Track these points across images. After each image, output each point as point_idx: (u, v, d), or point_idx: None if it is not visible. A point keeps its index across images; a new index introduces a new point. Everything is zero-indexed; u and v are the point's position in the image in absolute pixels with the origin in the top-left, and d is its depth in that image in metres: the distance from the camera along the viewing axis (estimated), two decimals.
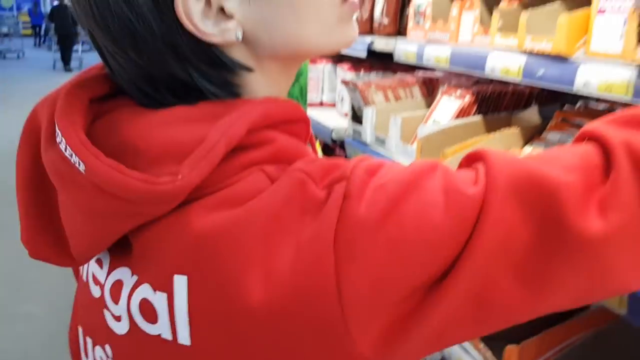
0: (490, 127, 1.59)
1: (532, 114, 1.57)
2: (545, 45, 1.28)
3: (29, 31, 18.11)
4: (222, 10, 0.51)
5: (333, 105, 2.52)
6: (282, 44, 0.55)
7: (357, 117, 1.95)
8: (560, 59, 1.25)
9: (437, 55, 1.66)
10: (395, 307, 0.47)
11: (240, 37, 0.52)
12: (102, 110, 0.55)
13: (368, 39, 2.08)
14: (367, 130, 1.87)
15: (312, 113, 2.41)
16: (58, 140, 0.51)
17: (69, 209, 0.54)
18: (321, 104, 2.58)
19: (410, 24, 1.91)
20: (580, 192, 0.48)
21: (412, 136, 1.70)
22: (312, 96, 2.55)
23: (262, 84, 0.56)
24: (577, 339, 1.27)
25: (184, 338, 0.49)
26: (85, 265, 0.60)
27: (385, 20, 2.11)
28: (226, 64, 0.53)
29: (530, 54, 1.32)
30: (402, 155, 1.72)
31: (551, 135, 1.45)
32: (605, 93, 1.14)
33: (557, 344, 1.25)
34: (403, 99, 1.92)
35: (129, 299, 0.52)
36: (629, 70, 1.08)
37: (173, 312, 0.49)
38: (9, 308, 2.95)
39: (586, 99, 1.59)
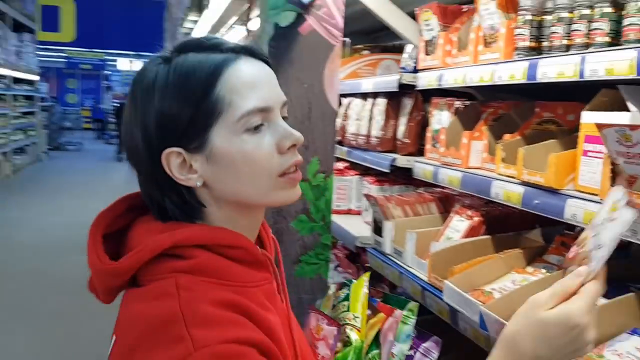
0: (497, 247, 1.71)
1: (535, 236, 1.69)
2: (538, 178, 1.43)
3: (89, 125, 19.34)
4: (191, 166, 0.80)
5: (360, 213, 2.69)
6: (230, 195, 0.82)
7: (378, 229, 2.10)
8: (552, 191, 1.39)
9: (450, 177, 1.83)
10: None
11: (199, 184, 0.80)
12: (146, 213, 0.86)
13: (391, 156, 2.27)
14: (387, 243, 2.01)
15: (340, 220, 2.57)
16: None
17: None
18: (349, 211, 2.75)
19: (428, 146, 2.10)
20: None
21: (426, 250, 1.83)
22: (340, 204, 2.73)
23: (218, 217, 0.83)
24: None
25: None
26: None
27: (407, 140, 2.30)
28: (187, 199, 0.81)
29: (528, 185, 1.47)
30: (417, 268, 1.85)
31: (551, 257, 1.56)
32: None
33: None
34: (421, 215, 2.07)
35: None
36: None
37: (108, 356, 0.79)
38: None
39: None
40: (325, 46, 1.98)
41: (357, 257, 2.65)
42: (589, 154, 1.34)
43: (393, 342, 1.05)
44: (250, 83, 0.79)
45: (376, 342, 1.06)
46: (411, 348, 1.06)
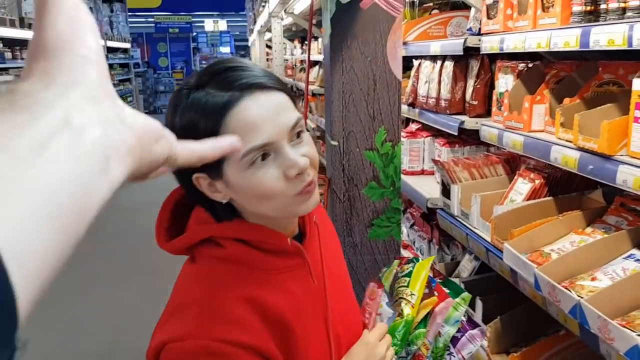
0: (559, 208, 1.77)
1: (597, 196, 1.73)
2: (592, 145, 1.47)
3: None
4: (216, 187, 0.91)
5: (433, 173, 2.78)
6: (251, 210, 0.94)
7: (446, 192, 2.19)
8: (605, 157, 1.44)
9: (514, 140, 1.88)
10: None
11: (224, 201, 0.92)
12: None
13: (460, 118, 2.33)
14: (454, 205, 2.11)
15: (412, 181, 2.68)
16: None
17: None
18: (422, 172, 2.84)
19: (494, 108, 2.14)
20: None
21: (491, 212, 1.92)
22: (413, 165, 2.83)
23: (254, 217, 0.95)
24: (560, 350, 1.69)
25: None
26: None
27: (475, 102, 2.35)
28: (219, 209, 0.94)
29: (583, 150, 1.52)
30: (482, 229, 1.94)
31: (610, 218, 1.61)
32: (639, 191, 1.32)
33: (544, 352, 1.66)
34: (488, 177, 2.13)
35: None
36: None
37: None
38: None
39: None
40: (386, 18, 2.05)
41: (431, 216, 2.76)
42: None
43: (441, 324, 1.13)
44: (251, 124, 0.85)
45: (425, 321, 1.13)
46: (459, 331, 1.15)
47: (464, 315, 1.17)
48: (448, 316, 1.13)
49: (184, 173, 0.90)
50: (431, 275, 1.19)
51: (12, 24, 7.27)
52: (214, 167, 0.87)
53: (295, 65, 6.96)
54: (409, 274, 1.19)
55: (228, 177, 0.88)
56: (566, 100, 1.71)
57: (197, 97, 0.87)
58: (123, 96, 13.44)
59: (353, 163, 2.16)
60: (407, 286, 1.16)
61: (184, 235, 0.94)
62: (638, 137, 1.37)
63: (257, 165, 0.86)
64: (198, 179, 0.90)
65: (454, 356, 1.17)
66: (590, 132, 1.52)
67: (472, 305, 2.04)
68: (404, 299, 1.13)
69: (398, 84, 2.13)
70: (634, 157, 1.38)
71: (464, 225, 2.04)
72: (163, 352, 0.85)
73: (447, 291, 1.19)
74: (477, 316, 1.99)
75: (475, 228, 1.98)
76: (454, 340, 1.17)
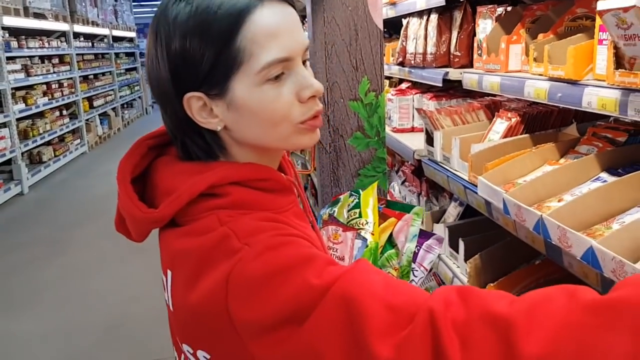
0: (536, 144, 1.80)
1: (572, 130, 1.76)
2: (560, 72, 1.50)
3: None
4: (212, 109, 0.80)
5: (422, 130, 2.80)
6: (251, 140, 0.83)
7: (430, 140, 2.22)
8: (571, 83, 1.46)
9: (491, 83, 1.91)
10: (266, 331, 0.68)
11: (219, 128, 0.81)
12: (163, 152, 0.89)
13: (444, 70, 2.36)
14: (437, 151, 2.14)
15: (402, 137, 2.71)
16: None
17: None
18: (412, 129, 2.87)
19: (475, 56, 2.17)
20: (385, 323, 0.62)
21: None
22: (403, 123, 2.86)
23: (240, 156, 0.84)
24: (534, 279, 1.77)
25: (170, 305, 0.84)
26: None
27: (459, 53, 2.37)
28: (209, 141, 0.83)
29: (552, 80, 1.55)
30: (461, 170, 1.98)
31: (582, 148, 1.63)
32: (602, 110, 1.35)
33: (521, 282, 1.75)
34: (470, 123, 2.16)
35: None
36: (616, 92, 1.29)
37: (168, 289, 0.83)
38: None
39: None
40: None
41: (421, 171, 2.79)
42: (604, 42, 1.39)
43: (404, 242, 1.13)
44: (273, 33, 0.76)
45: (390, 243, 1.13)
46: (416, 246, 1.15)
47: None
48: (408, 233, 1.13)
49: (171, 93, 0.79)
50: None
51: (16, 13, 7.37)
52: (219, 83, 0.77)
53: None
54: (356, 206, 1.17)
55: (234, 95, 0.77)
56: (540, 36, 1.73)
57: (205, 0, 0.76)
58: (130, 85, 13.54)
59: (338, 114, 2.19)
60: (360, 217, 1.15)
61: (177, 194, 0.78)
62: (602, 59, 1.39)
63: (271, 83, 0.77)
64: (190, 100, 0.78)
65: (417, 270, 1.19)
66: (560, 62, 1.54)
67: (455, 246, 2.07)
68: (362, 228, 1.13)
69: (380, 33, 2.15)
70: (599, 80, 1.40)
71: (445, 168, 2.07)
72: (230, 282, 0.70)
73: (398, 212, 1.18)
74: (460, 256, 2.03)
75: (455, 170, 2.01)
76: (413, 255, 1.17)
